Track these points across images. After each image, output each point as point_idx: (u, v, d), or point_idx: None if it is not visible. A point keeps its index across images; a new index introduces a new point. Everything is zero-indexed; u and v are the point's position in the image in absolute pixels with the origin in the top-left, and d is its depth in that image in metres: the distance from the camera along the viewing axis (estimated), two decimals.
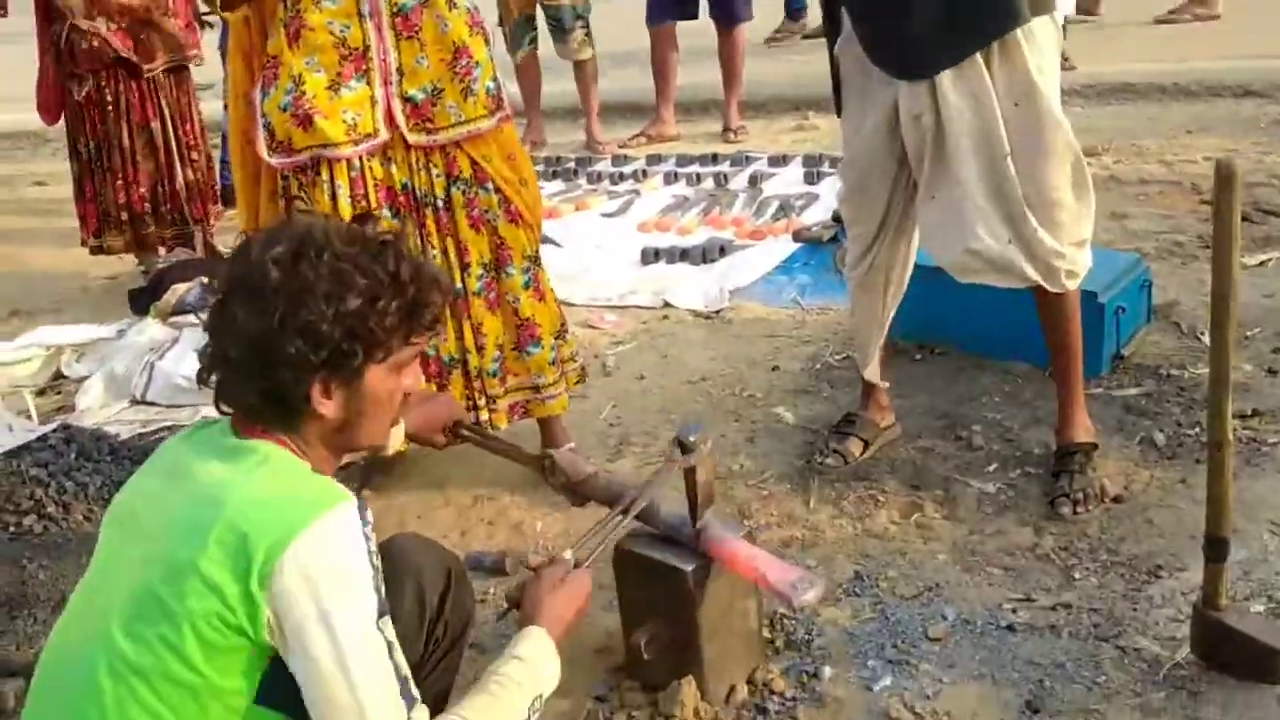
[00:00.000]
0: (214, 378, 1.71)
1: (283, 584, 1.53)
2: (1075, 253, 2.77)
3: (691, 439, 2.16)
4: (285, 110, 2.82)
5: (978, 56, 2.61)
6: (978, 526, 2.81)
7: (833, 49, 2.92)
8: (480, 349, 3.01)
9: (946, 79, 2.63)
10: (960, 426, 3.20)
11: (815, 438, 3.24)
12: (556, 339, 3.12)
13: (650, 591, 2.25)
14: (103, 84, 4.71)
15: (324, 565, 1.55)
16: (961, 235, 2.74)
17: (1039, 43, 2.64)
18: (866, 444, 3.11)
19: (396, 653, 1.61)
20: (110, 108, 4.74)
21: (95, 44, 4.64)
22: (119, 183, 4.80)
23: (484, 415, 3.03)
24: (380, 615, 1.59)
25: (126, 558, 1.65)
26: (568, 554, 1.99)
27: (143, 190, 4.83)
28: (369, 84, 2.82)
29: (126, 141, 4.78)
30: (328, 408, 1.67)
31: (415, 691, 1.62)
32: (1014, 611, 2.50)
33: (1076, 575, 2.60)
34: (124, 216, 4.83)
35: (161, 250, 4.97)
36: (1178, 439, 3.06)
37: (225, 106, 5.67)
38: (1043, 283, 2.79)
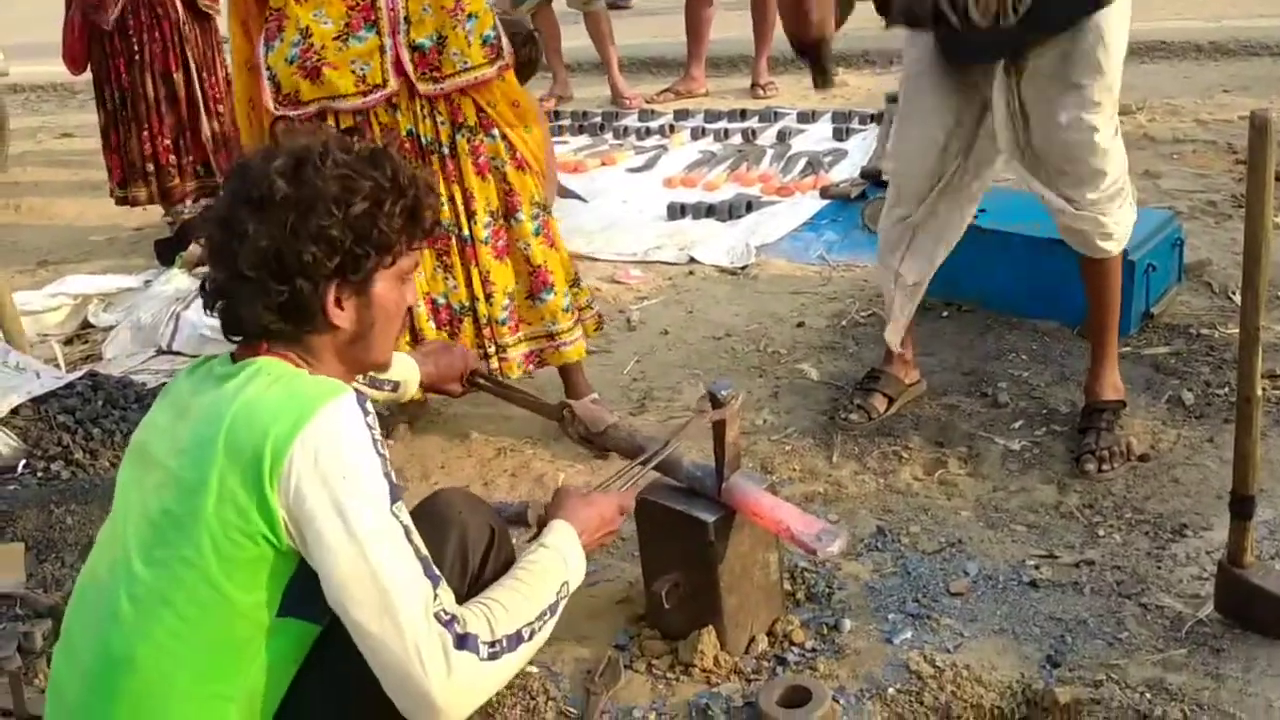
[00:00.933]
0: (220, 304, 1.71)
1: (293, 481, 1.55)
2: (1120, 213, 2.76)
3: (723, 394, 2.15)
4: (292, 63, 2.81)
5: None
6: (1002, 483, 2.80)
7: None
8: (489, 297, 3.01)
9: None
10: (986, 383, 3.18)
11: (839, 394, 3.23)
12: (571, 286, 3.11)
13: (672, 542, 2.26)
14: (129, 32, 4.69)
15: (330, 456, 1.56)
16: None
17: (1120, 20, 2.62)
18: (891, 400, 3.10)
19: (414, 535, 1.62)
20: (136, 57, 4.73)
21: None
22: (144, 133, 4.79)
23: (494, 364, 3.03)
24: (393, 500, 1.61)
25: (142, 488, 1.67)
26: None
27: (167, 141, 4.82)
28: (378, 33, 2.82)
29: (151, 92, 4.77)
30: (341, 318, 1.70)
31: (438, 571, 1.63)
32: (1037, 568, 2.49)
33: (1100, 533, 2.59)
34: (149, 168, 4.83)
35: (187, 202, 4.97)
36: (1206, 398, 3.03)
37: None
38: (1085, 249, 2.81)
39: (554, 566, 1.80)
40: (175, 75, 4.78)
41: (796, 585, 2.48)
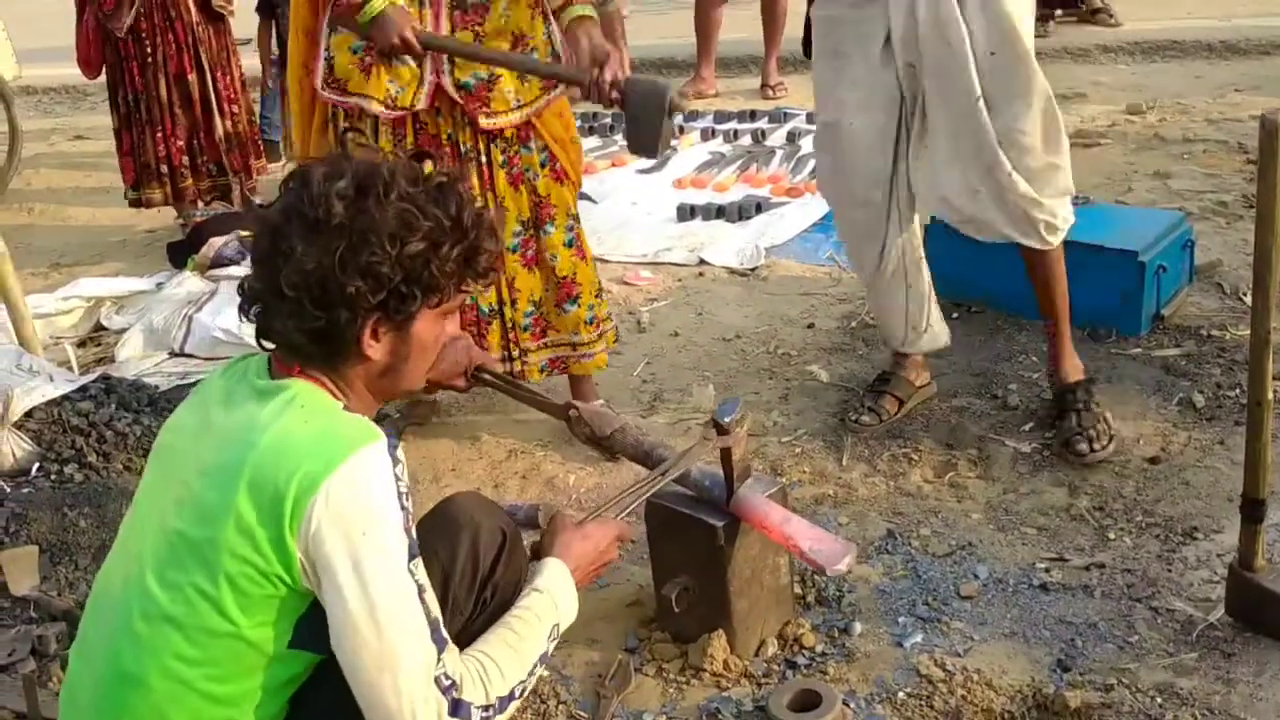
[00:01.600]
0: (256, 310, 1.66)
1: (314, 528, 1.52)
2: (1054, 204, 2.76)
3: (726, 420, 2.15)
4: (355, 53, 2.86)
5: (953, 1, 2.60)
6: (1012, 486, 2.80)
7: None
8: (513, 303, 3.05)
9: (927, 24, 2.62)
10: (996, 385, 3.18)
11: (850, 395, 3.23)
12: (595, 298, 3.13)
13: (681, 546, 2.26)
14: (142, 35, 4.72)
15: (354, 507, 1.53)
16: (935, 183, 2.78)
17: None
18: (901, 402, 3.10)
19: (428, 595, 1.60)
20: (150, 59, 4.76)
21: None
22: (158, 135, 4.82)
23: (516, 367, 3.07)
24: (411, 558, 1.58)
25: (162, 499, 1.65)
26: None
27: (180, 143, 4.85)
28: (420, 65, 2.84)
29: (164, 94, 4.80)
30: (375, 350, 1.64)
31: (445, 634, 1.62)
32: (1047, 571, 2.49)
33: (1111, 536, 2.59)
34: (163, 169, 4.86)
35: (199, 204, 4.99)
36: (1217, 401, 3.03)
37: (270, 62, 5.71)
38: (1020, 239, 2.79)
39: (546, 612, 1.79)
40: (189, 77, 4.81)
41: (807, 588, 2.49)
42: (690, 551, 2.24)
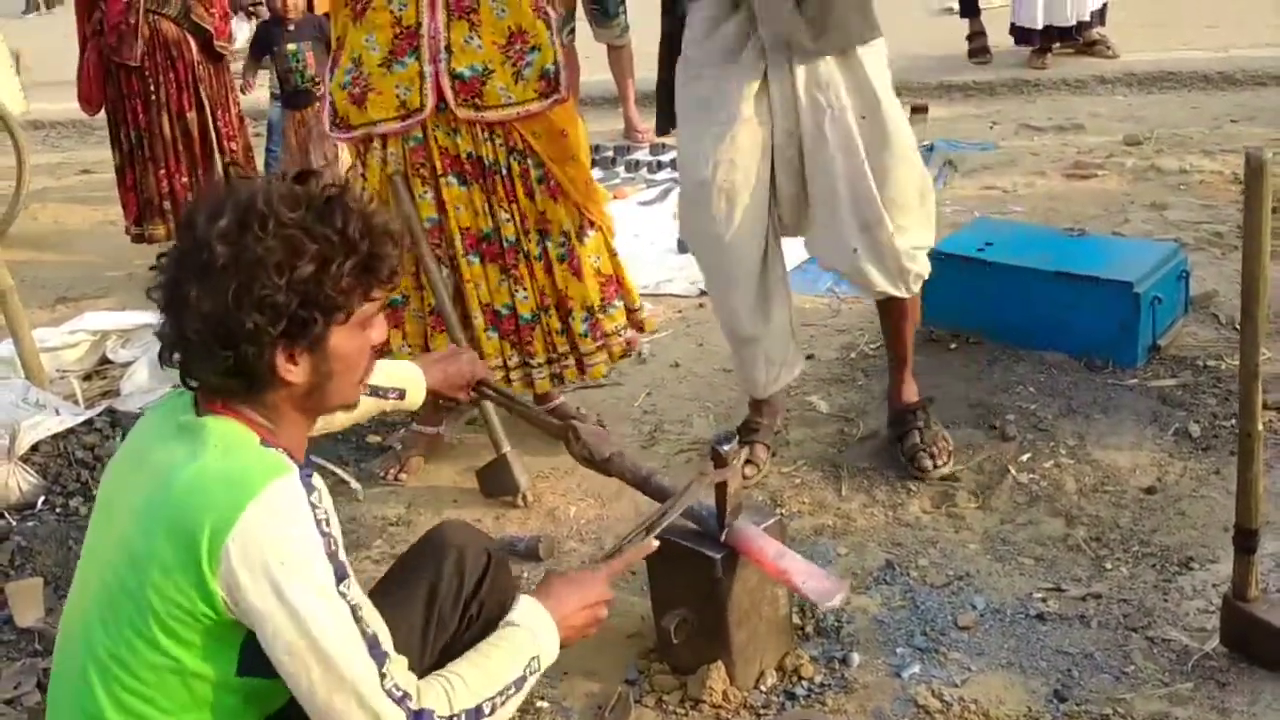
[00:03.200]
0: (175, 356, 1.66)
1: (231, 566, 1.53)
2: (923, 256, 2.89)
3: (725, 449, 2.17)
4: (345, 89, 2.98)
5: (834, 65, 2.71)
6: (1009, 516, 2.82)
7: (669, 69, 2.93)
8: (548, 309, 3.16)
9: (803, 92, 2.72)
10: (994, 416, 3.20)
11: (849, 426, 3.25)
12: (598, 312, 3.19)
13: (680, 577, 2.28)
14: (145, 72, 4.79)
15: (269, 542, 1.54)
16: (811, 242, 2.92)
17: (881, 59, 2.78)
18: (771, 450, 3.13)
19: (364, 612, 1.60)
20: (153, 97, 4.82)
21: (147, 33, 4.71)
22: (160, 172, 4.90)
23: (559, 369, 3.20)
24: (340, 580, 1.58)
25: (103, 542, 1.68)
26: None
27: (185, 179, 4.93)
28: (419, 59, 2.93)
29: (168, 131, 4.87)
30: (295, 374, 1.64)
31: (388, 648, 1.62)
32: (1044, 601, 2.51)
33: (1108, 566, 2.60)
34: (165, 205, 4.93)
35: None
36: (1213, 430, 3.05)
37: (271, 96, 5.78)
38: (893, 291, 2.89)
39: (522, 641, 1.80)
40: (189, 115, 4.88)
41: (806, 619, 2.50)
42: (689, 583, 2.26)
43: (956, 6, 7.14)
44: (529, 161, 3.03)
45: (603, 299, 3.20)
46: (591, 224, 3.14)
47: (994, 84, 6.64)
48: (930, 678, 2.32)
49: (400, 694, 1.60)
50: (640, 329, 3.37)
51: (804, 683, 2.33)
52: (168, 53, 4.80)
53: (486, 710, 1.70)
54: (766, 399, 3.13)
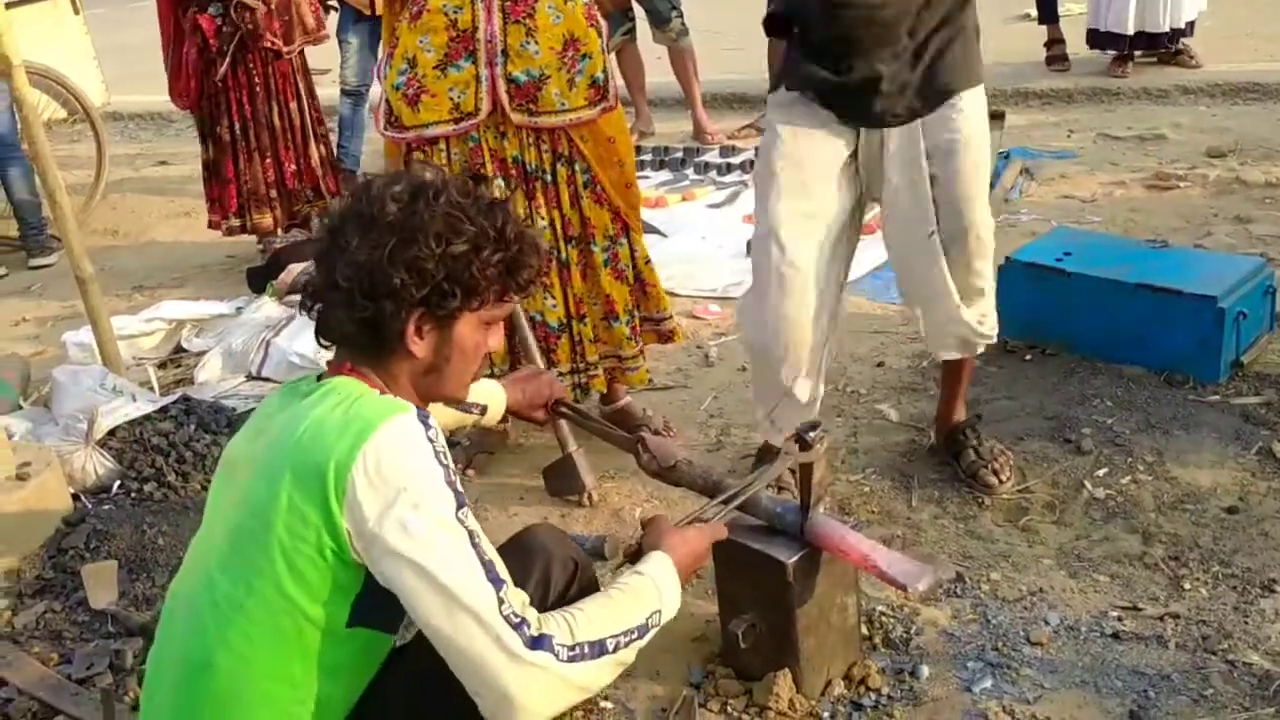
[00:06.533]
0: (317, 307, 1.77)
1: (356, 497, 1.59)
2: (989, 314, 2.83)
3: (810, 435, 2.16)
4: (399, 89, 2.98)
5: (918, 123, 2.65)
6: (1085, 531, 2.76)
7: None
8: (581, 317, 3.17)
9: (893, 159, 2.67)
10: (1070, 429, 3.14)
11: (919, 435, 3.21)
12: (632, 316, 3.21)
13: (749, 581, 2.26)
14: (250, 66, 4.87)
15: (391, 468, 1.60)
16: (920, 294, 2.82)
17: (979, 106, 2.71)
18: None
19: (480, 539, 1.65)
20: (258, 89, 4.90)
21: (251, 25, 4.79)
22: (267, 160, 4.97)
23: (583, 379, 3.20)
24: (459, 507, 1.64)
25: (225, 504, 1.74)
26: None
27: (293, 167, 5.03)
28: (475, 63, 2.94)
29: (278, 121, 4.96)
30: (418, 347, 1.74)
31: (504, 574, 1.66)
32: (1119, 619, 2.45)
33: (1186, 585, 2.54)
34: (273, 194, 5.00)
35: (279, 231, 5.11)
36: None
37: (342, 92, 5.88)
38: (958, 355, 2.89)
39: (647, 591, 1.82)
40: (291, 105, 4.98)
41: (874, 629, 2.47)
42: (758, 588, 2.24)
43: (1034, 13, 7.03)
44: (576, 167, 3.04)
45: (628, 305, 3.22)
46: (629, 229, 3.15)
47: (1072, 91, 6.53)
48: (1002, 693, 2.28)
49: (519, 619, 1.63)
50: (668, 339, 3.35)
51: (871, 694, 2.30)
52: (261, 42, 4.87)
53: (610, 648, 1.71)
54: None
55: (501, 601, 1.62)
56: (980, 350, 2.90)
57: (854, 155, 2.73)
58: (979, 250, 2.73)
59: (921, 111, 2.65)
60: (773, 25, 2.82)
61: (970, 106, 2.68)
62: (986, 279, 2.80)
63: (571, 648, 1.66)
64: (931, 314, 2.80)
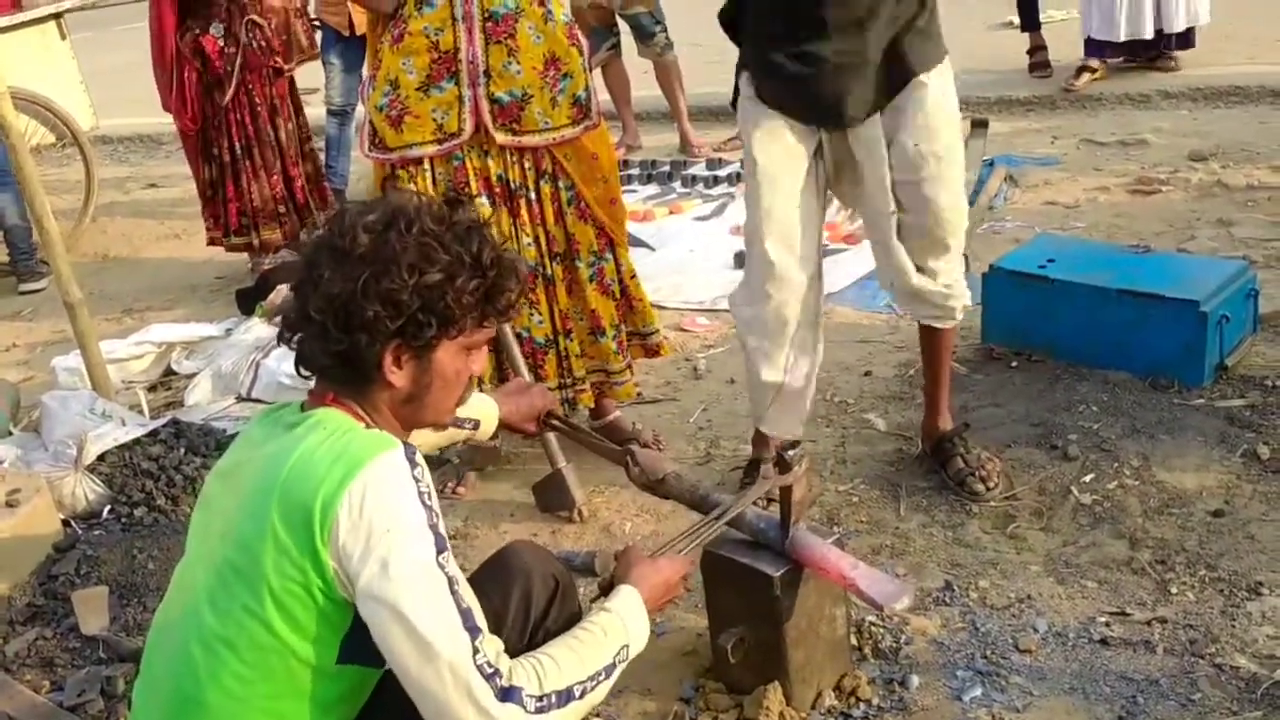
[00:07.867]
0: (295, 338, 1.76)
1: (343, 535, 1.59)
2: (958, 282, 2.86)
3: (790, 455, 2.17)
4: (382, 110, 3.01)
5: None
6: (1072, 537, 2.78)
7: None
8: (567, 333, 3.19)
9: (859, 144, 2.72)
10: (1056, 435, 3.15)
11: (907, 444, 3.22)
12: (623, 335, 3.25)
13: (738, 595, 2.27)
14: (251, 86, 4.89)
15: (376, 509, 1.60)
16: (887, 268, 2.86)
17: (946, 82, 2.73)
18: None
19: (460, 586, 1.65)
20: (259, 107, 4.92)
21: (263, 43, 4.81)
22: (274, 177, 5.00)
23: (570, 394, 3.22)
24: (439, 552, 1.63)
25: (209, 535, 1.73)
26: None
27: (300, 182, 5.07)
28: (458, 84, 2.96)
29: (283, 138, 4.98)
30: (397, 377, 1.72)
31: (481, 624, 1.65)
32: (1107, 625, 2.47)
33: (1173, 590, 2.55)
34: (280, 209, 5.03)
35: (268, 252, 5.12)
36: None
37: (329, 112, 5.91)
38: (938, 323, 2.92)
39: (614, 629, 1.82)
40: (288, 123, 5.03)
41: (864, 640, 2.48)
42: (746, 601, 2.25)
43: (1017, 20, 7.07)
44: (559, 183, 3.07)
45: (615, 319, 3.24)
46: (614, 244, 3.18)
47: (1055, 98, 6.56)
48: (991, 702, 2.29)
49: (491, 670, 1.63)
50: (655, 353, 3.38)
51: (862, 704, 2.31)
52: (263, 63, 4.91)
53: (577, 694, 1.72)
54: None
55: (476, 651, 1.62)
56: (951, 323, 2.92)
57: (818, 152, 2.78)
58: (948, 229, 2.77)
59: (882, 104, 2.68)
60: (729, 29, 2.90)
61: (936, 87, 2.70)
62: (954, 255, 2.83)
63: (540, 698, 1.66)
64: (900, 288, 2.87)
